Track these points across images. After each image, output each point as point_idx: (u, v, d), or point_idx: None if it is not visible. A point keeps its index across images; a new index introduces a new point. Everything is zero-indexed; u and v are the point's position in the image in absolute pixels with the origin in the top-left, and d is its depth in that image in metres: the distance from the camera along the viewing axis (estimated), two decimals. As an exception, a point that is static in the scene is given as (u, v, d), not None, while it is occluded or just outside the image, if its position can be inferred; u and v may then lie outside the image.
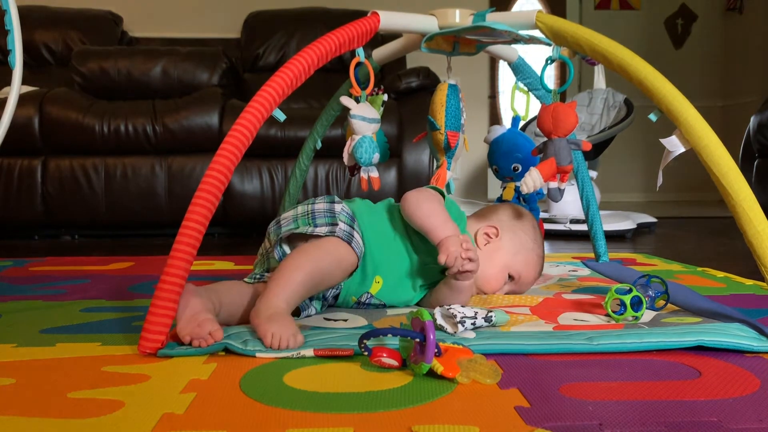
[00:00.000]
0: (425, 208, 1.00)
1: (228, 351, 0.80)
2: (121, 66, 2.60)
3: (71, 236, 2.60)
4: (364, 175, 1.15)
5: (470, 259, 0.93)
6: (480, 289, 1.09)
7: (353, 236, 0.96)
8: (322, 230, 0.95)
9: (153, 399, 0.64)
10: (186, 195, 2.47)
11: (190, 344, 0.80)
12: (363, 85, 1.12)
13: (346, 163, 1.16)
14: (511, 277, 1.10)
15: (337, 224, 0.96)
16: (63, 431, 0.57)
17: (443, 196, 1.08)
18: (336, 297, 1.02)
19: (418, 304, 1.07)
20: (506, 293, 1.11)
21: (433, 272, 1.03)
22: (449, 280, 0.98)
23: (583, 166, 1.43)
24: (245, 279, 1.01)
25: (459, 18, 1.11)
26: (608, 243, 1.53)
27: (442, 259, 0.93)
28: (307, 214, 0.99)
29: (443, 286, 1.01)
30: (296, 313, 0.97)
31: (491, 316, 0.88)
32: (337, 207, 1.00)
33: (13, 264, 1.69)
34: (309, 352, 0.78)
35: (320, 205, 1.00)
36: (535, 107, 1.25)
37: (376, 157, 1.13)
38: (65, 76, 2.78)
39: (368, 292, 1.02)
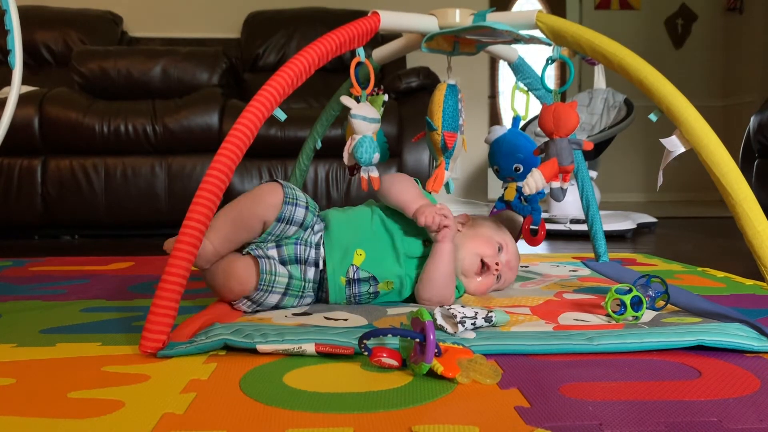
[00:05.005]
0: (397, 186, 1.09)
1: (228, 349, 0.80)
2: (121, 66, 2.60)
3: (71, 236, 2.60)
4: (364, 174, 1.15)
5: (446, 216, 1.01)
6: (480, 255, 1.10)
7: (282, 181, 1.02)
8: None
9: (153, 399, 0.64)
10: (186, 195, 2.47)
11: (190, 342, 0.80)
12: (363, 84, 1.12)
13: (346, 163, 1.16)
14: (500, 248, 1.14)
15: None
16: (63, 431, 0.57)
17: (418, 183, 1.15)
18: (323, 280, 1.04)
19: (412, 299, 1.08)
20: (503, 264, 1.13)
21: (412, 236, 1.08)
22: (432, 248, 1.05)
23: (583, 166, 1.43)
24: None
25: (459, 18, 1.11)
26: (608, 243, 1.53)
27: (421, 220, 1.01)
28: None
29: (427, 260, 1.05)
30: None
31: (491, 316, 0.88)
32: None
33: (13, 264, 1.69)
34: (310, 347, 0.78)
35: None
36: (535, 107, 1.24)
37: (377, 156, 1.13)
38: (65, 76, 2.78)
39: (353, 265, 1.04)
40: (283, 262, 1.01)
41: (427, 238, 1.07)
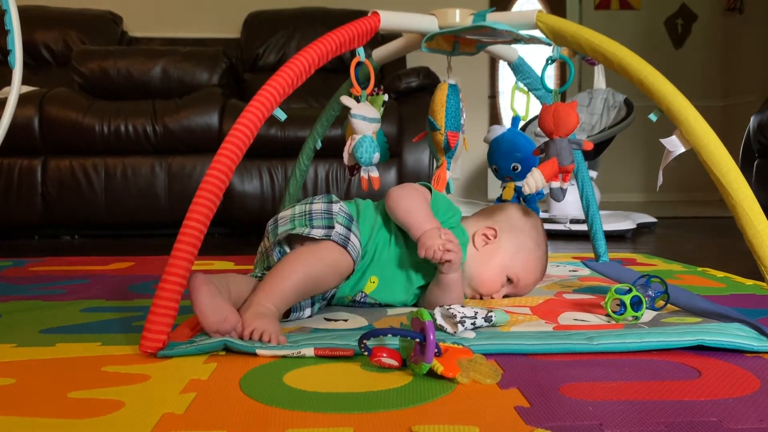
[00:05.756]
0: (404, 204, 1.00)
1: (228, 350, 0.80)
2: (121, 66, 2.60)
3: (71, 236, 2.60)
4: (364, 174, 1.15)
5: (449, 250, 0.93)
6: (476, 291, 1.08)
7: (349, 239, 0.95)
8: (318, 233, 0.94)
9: (153, 399, 0.64)
10: (186, 195, 2.47)
11: (190, 342, 0.80)
12: (363, 84, 1.12)
13: (346, 163, 1.16)
14: (509, 280, 1.08)
15: (333, 227, 0.95)
16: (63, 431, 0.57)
17: (430, 190, 1.08)
18: (331, 298, 1.03)
19: (415, 305, 1.07)
20: (505, 296, 1.10)
21: (428, 270, 1.02)
22: (437, 276, 0.99)
23: (583, 166, 1.43)
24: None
25: (459, 18, 1.11)
26: (608, 243, 1.53)
27: (420, 252, 0.94)
28: (305, 215, 0.98)
29: (433, 285, 1.01)
30: (285, 314, 0.95)
31: (491, 316, 0.88)
32: (335, 207, 0.98)
33: (13, 264, 1.69)
34: (309, 351, 0.78)
35: (318, 205, 0.99)
36: (535, 107, 1.25)
37: (377, 156, 1.13)
38: (65, 76, 2.78)
39: (362, 292, 1.02)
40: (312, 302, 0.98)
41: None
